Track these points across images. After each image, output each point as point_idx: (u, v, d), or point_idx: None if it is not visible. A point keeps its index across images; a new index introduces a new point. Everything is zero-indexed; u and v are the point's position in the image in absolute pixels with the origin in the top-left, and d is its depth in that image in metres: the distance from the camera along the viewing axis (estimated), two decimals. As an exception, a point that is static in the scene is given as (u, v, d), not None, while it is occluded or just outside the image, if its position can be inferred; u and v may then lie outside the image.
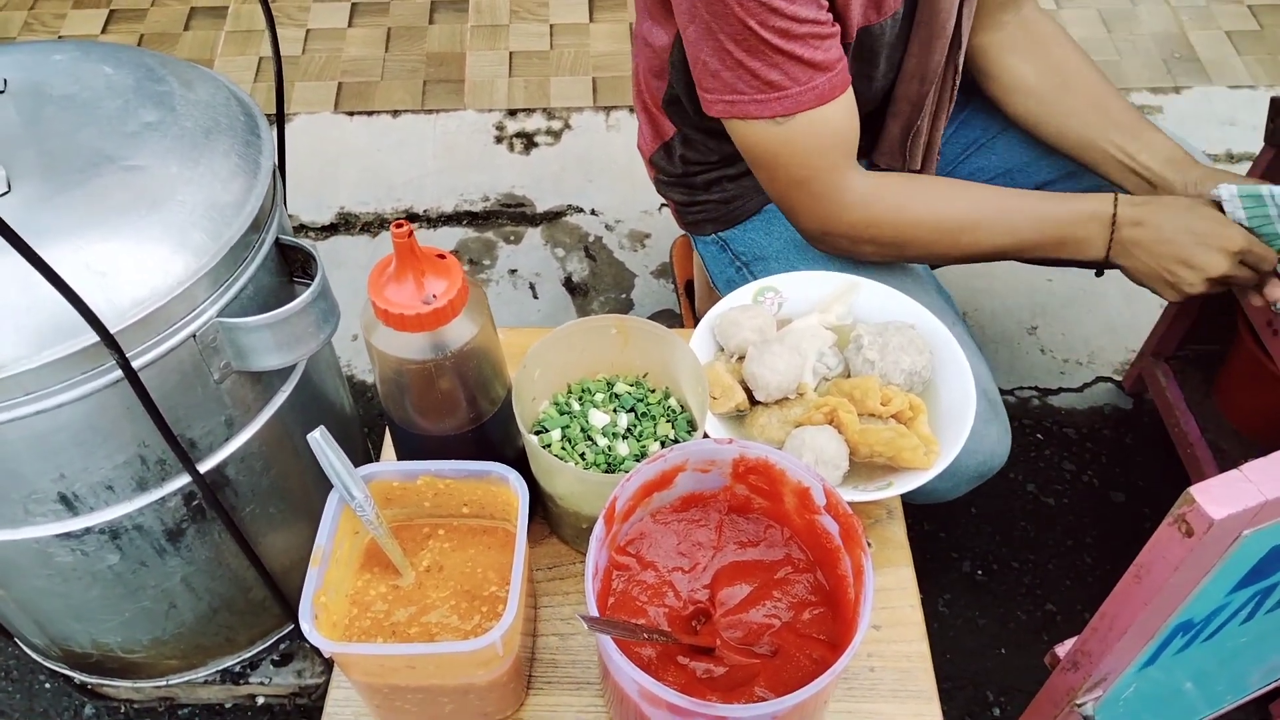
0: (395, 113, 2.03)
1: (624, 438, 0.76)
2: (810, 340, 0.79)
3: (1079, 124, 1.08)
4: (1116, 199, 0.96)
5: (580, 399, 0.78)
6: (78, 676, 1.15)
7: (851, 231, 0.96)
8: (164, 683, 1.14)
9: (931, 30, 0.98)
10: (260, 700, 1.25)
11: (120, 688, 1.19)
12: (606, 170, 1.93)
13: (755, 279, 1.13)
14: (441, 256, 0.61)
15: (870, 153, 1.14)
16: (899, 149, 1.09)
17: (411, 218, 1.86)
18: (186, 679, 1.14)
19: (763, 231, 1.13)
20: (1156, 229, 0.95)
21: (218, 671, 1.16)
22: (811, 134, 0.90)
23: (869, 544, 0.64)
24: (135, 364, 0.77)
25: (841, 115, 0.91)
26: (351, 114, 2.03)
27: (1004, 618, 1.38)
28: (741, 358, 0.81)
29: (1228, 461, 1.36)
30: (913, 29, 1.00)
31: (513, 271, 1.78)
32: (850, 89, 0.92)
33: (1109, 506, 1.48)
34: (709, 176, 1.13)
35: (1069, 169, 1.17)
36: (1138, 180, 1.06)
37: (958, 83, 1.04)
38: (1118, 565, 1.41)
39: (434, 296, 0.60)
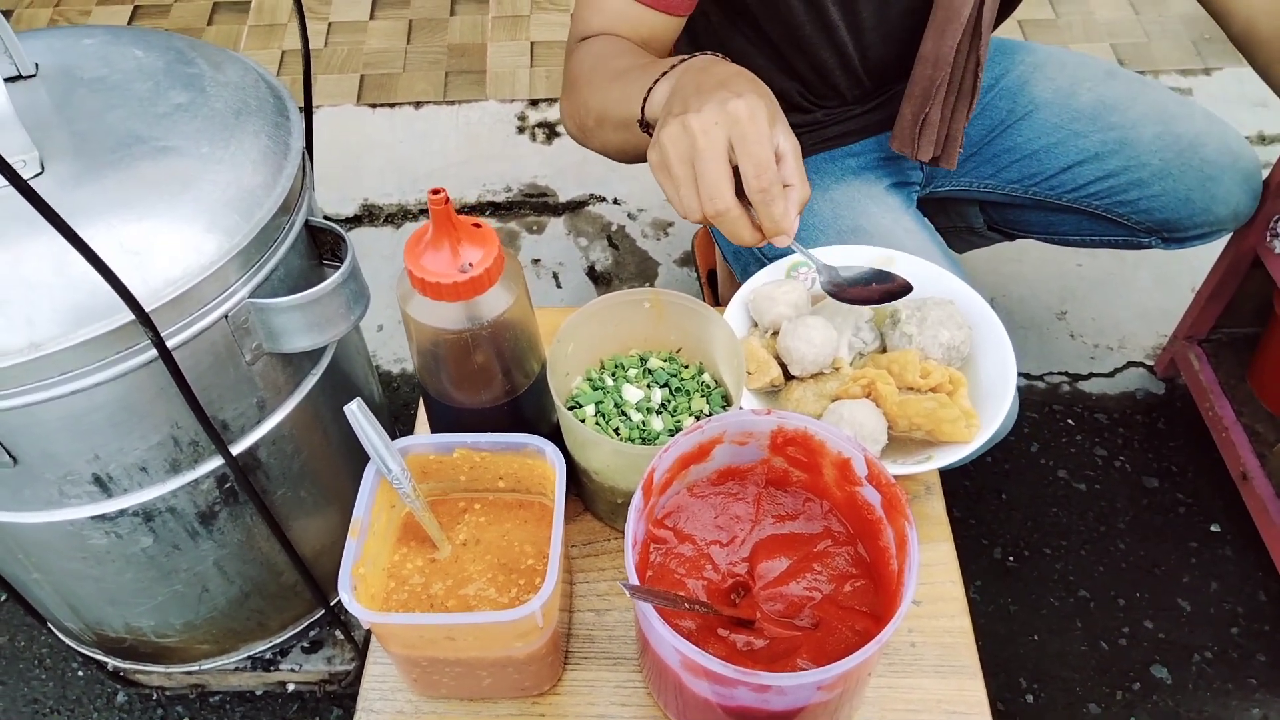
0: (417, 104, 2.03)
1: (658, 413, 0.75)
2: (846, 315, 0.78)
3: None
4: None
5: (613, 375, 0.77)
6: (111, 662, 1.16)
7: (561, 96, 0.93)
8: (196, 668, 1.14)
9: (947, 14, 0.97)
10: (291, 687, 1.26)
11: (152, 674, 1.20)
12: (629, 159, 1.93)
13: (759, 249, 1.12)
14: (478, 225, 0.61)
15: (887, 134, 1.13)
16: (910, 135, 1.07)
17: (435, 208, 1.86)
18: (218, 664, 1.14)
19: None
20: None
21: (248, 658, 1.16)
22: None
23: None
24: (169, 344, 0.78)
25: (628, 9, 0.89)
26: (374, 106, 2.03)
27: (1036, 604, 1.36)
28: (776, 333, 0.80)
29: (1263, 445, 1.34)
30: (932, 9, 0.98)
31: (536, 261, 1.78)
32: (664, 15, 0.89)
33: (1142, 492, 1.46)
34: None
35: (1096, 150, 1.16)
36: None
37: (980, 75, 1.02)
38: (1151, 552, 1.40)
39: (470, 265, 0.60)
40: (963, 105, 1.05)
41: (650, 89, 0.77)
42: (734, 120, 0.67)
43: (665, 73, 0.77)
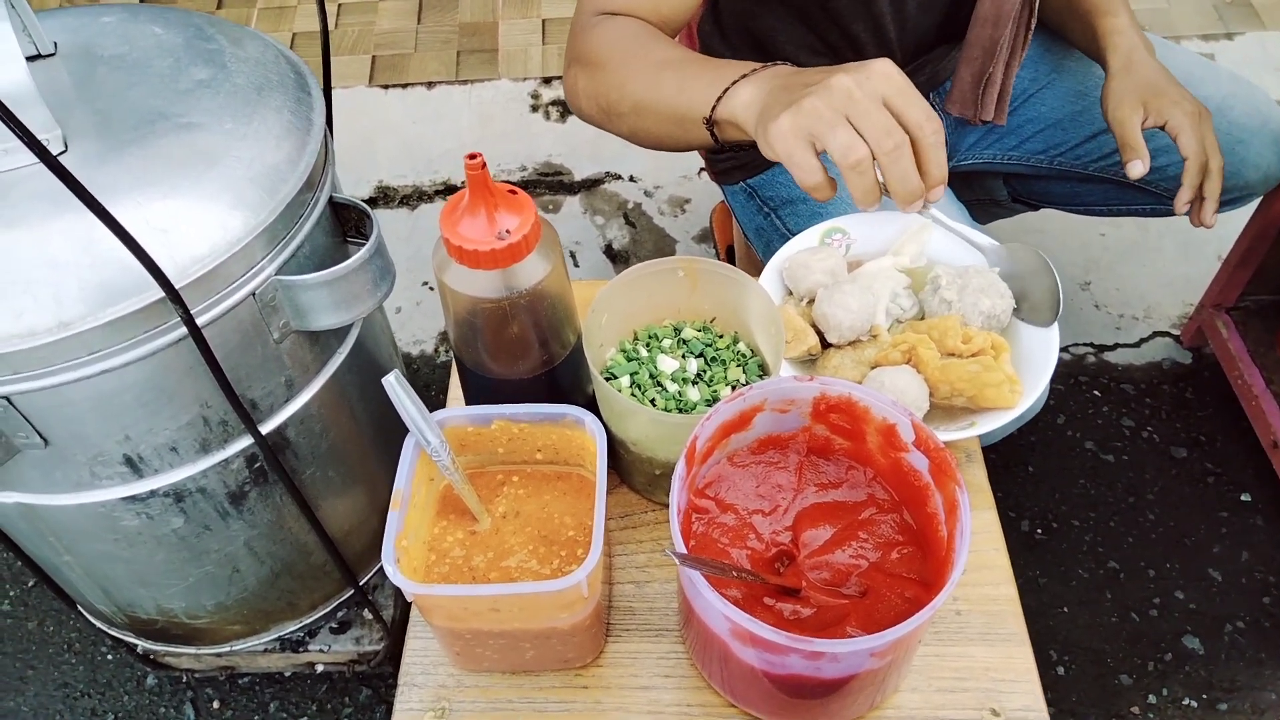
0: (430, 84, 2.01)
1: (694, 383, 0.74)
2: (883, 281, 0.77)
3: (1058, 19, 1.11)
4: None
5: (648, 345, 0.76)
6: (142, 644, 1.16)
7: (569, 69, 0.89)
8: (226, 649, 1.14)
9: None
10: (319, 668, 1.26)
11: (182, 656, 1.20)
12: (644, 136, 1.91)
13: (783, 224, 1.11)
14: (513, 192, 0.60)
15: (942, 99, 1.11)
16: (971, 97, 1.05)
17: (450, 190, 1.85)
18: (248, 645, 1.14)
19: (788, 174, 1.10)
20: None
21: (277, 640, 1.16)
22: None
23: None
24: (198, 322, 0.77)
25: None
26: (386, 87, 2.02)
27: (1065, 576, 1.35)
28: (811, 301, 0.79)
29: (1294, 413, 1.33)
30: None
31: (553, 240, 1.76)
32: None
33: (1170, 462, 1.45)
34: None
35: None
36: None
37: (1033, 23, 1.00)
38: (1181, 522, 1.39)
39: (507, 232, 0.59)
40: (1015, 60, 1.03)
41: (727, 90, 0.75)
42: (885, 76, 0.65)
43: (745, 75, 0.75)
